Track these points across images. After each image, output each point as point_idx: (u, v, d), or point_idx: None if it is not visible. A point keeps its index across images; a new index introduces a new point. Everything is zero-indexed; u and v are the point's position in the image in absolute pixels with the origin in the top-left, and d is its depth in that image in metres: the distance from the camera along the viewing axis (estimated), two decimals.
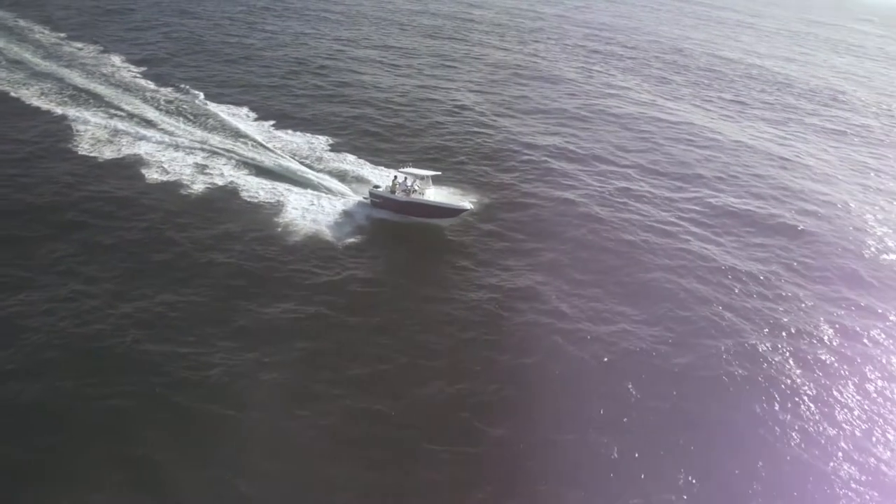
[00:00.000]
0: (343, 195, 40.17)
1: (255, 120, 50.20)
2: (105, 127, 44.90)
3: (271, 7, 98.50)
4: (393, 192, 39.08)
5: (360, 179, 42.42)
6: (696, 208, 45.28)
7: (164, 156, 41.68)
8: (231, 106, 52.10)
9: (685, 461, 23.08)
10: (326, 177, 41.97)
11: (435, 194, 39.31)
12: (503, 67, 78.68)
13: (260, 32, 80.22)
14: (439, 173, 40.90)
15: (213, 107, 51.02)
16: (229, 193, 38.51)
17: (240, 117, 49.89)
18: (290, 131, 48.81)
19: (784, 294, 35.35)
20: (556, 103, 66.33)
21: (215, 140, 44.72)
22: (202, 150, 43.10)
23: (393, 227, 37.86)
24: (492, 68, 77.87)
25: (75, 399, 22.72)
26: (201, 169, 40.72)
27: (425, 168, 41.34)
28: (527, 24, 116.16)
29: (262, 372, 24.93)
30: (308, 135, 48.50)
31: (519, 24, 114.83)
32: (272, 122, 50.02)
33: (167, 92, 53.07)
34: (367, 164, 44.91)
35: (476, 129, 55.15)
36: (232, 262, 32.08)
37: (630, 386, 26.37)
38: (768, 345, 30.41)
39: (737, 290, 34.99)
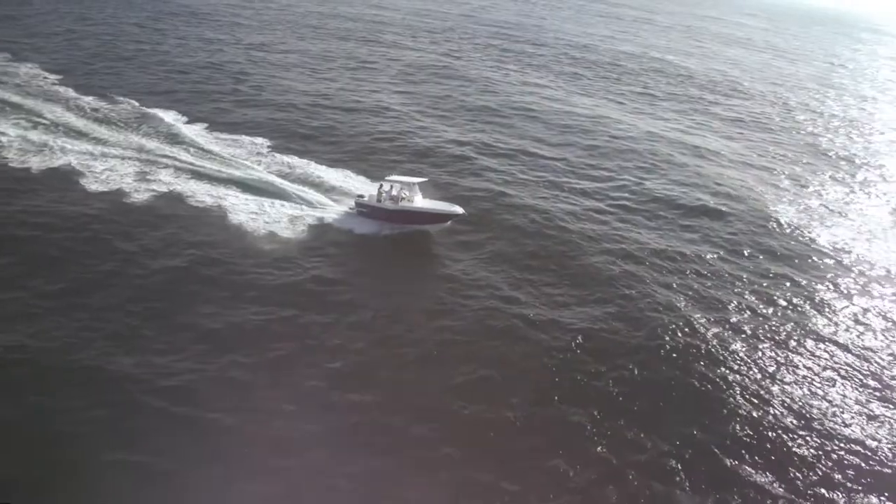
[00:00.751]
0: (299, 197, 40.57)
1: (187, 124, 49.84)
2: (28, 138, 43.51)
3: (178, 13, 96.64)
4: (379, 200, 39.30)
5: (305, 180, 42.98)
6: (625, 195, 48.33)
7: (98, 165, 40.93)
8: (159, 111, 51.45)
9: (648, 424, 25.31)
10: (276, 178, 42.32)
11: (422, 201, 39.56)
12: (420, 68, 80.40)
13: (173, 39, 78.89)
14: (426, 179, 41.91)
15: (141, 112, 50.29)
16: (174, 200, 38.36)
17: (171, 123, 49.33)
18: (223, 135, 48.72)
19: (712, 269, 38.58)
20: (477, 101, 68.57)
21: (151, 146, 44.27)
22: (138, 157, 42.56)
23: (344, 228, 38.63)
24: (410, 69, 79.49)
25: (50, 413, 22.57)
26: (141, 176, 40.33)
27: (410, 175, 42.57)
28: (437, 25, 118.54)
29: (236, 373, 25.44)
30: (245, 137, 48.60)
31: (429, 25, 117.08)
32: (204, 126, 49.81)
33: (90, 100, 51.86)
34: (314, 163, 45.60)
35: (405, 129, 56.58)
36: (186, 267, 32.21)
37: (591, 360, 28.52)
38: (704, 316, 33.31)
39: (670, 269, 37.93)
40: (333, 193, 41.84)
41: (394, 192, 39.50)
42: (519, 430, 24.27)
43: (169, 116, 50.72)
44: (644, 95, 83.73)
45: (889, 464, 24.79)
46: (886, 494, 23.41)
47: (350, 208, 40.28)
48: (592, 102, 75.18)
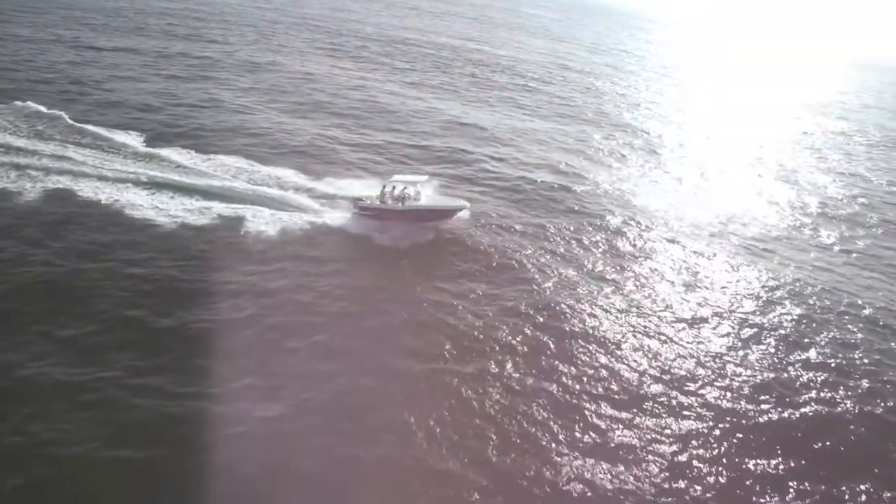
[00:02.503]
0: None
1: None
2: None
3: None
4: (382, 201, 39.46)
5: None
6: (486, 180, 53.56)
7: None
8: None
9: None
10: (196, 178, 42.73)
11: (427, 198, 40.47)
12: (265, 70, 79.43)
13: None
14: (428, 178, 43.33)
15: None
16: (108, 208, 37.83)
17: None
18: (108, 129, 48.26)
19: (576, 241, 44.69)
20: (318, 97, 70.43)
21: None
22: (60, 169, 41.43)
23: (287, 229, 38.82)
24: (252, 66, 78.94)
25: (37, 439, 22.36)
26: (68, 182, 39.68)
27: (413, 174, 43.95)
28: (256, 18, 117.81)
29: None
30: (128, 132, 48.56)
31: (246, 20, 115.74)
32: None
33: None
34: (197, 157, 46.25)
35: (273, 127, 57.06)
36: (146, 274, 32.09)
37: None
38: (581, 281, 39.28)
39: (548, 244, 43.52)
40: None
41: (396, 192, 39.86)
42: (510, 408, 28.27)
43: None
44: (473, 85, 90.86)
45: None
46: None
47: (354, 212, 39.91)
48: (431, 95, 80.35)
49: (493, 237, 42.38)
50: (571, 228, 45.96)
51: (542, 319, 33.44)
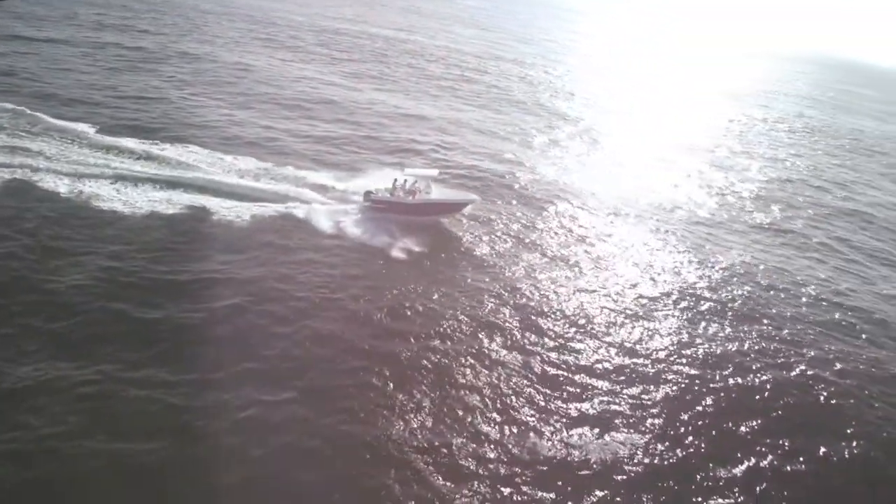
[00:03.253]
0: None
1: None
2: None
3: None
4: (392, 194, 41.03)
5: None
6: (440, 169, 55.47)
7: None
8: None
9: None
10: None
11: (438, 192, 42.55)
12: (204, 61, 78.55)
13: None
14: (438, 172, 44.73)
15: None
16: (72, 200, 37.69)
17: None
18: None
19: (533, 226, 47.32)
20: (265, 90, 70.85)
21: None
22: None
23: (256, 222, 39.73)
24: (191, 58, 77.87)
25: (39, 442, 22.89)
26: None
27: (424, 168, 46.44)
28: (189, 5, 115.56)
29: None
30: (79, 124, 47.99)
31: (185, 10, 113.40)
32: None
33: None
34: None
35: (223, 119, 56.92)
36: (124, 267, 32.29)
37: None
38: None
39: (507, 229, 45.95)
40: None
41: (407, 185, 41.38)
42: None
43: None
44: (411, 75, 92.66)
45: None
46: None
47: (365, 203, 41.49)
48: (371, 86, 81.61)
49: (458, 224, 44.49)
50: (529, 214, 48.72)
51: (507, 300, 35.83)
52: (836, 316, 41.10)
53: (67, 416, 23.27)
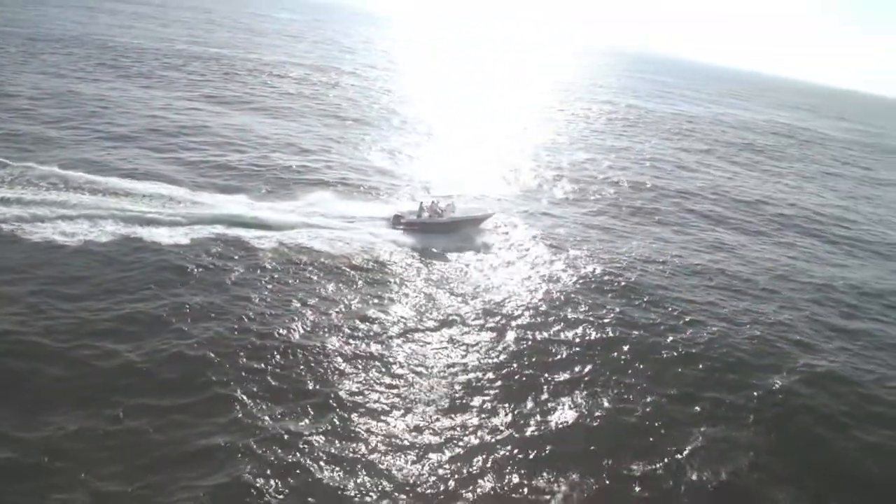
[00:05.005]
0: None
1: None
2: None
3: None
4: (419, 216, 46.48)
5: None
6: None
7: None
8: None
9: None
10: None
11: (461, 210, 48.64)
12: (67, 94, 74.52)
13: None
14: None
15: None
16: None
17: None
18: None
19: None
20: (141, 123, 68.37)
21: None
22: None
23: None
24: (49, 94, 73.70)
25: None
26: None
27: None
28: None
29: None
30: None
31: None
32: None
33: None
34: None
35: (109, 154, 55.10)
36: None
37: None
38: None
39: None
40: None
41: (435, 206, 47.25)
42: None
43: None
44: (272, 94, 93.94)
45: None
46: None
47: (395, 227, 46.42)
48: (238, 110, 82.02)
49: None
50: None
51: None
52: (702, 279, 47.87)
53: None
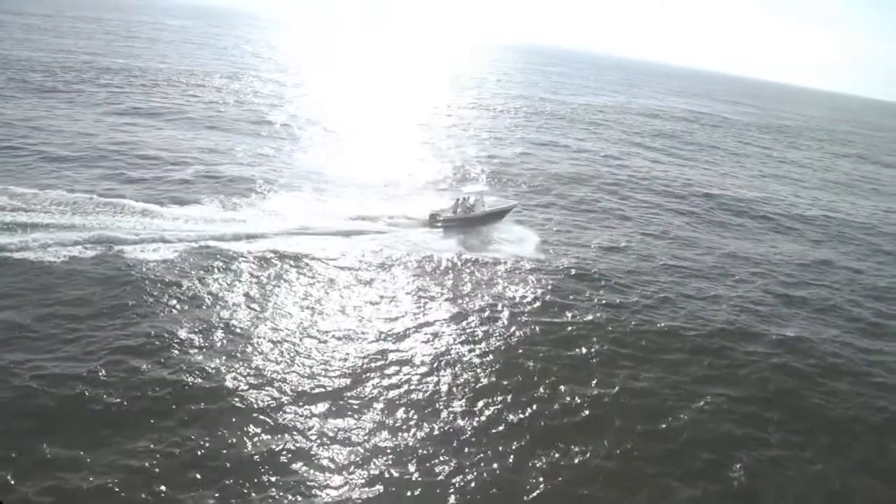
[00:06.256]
0: None
1: None
2: None
3: None
4: (455, 212, 50.35)
5: None
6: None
7: None
8: None
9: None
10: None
11: (489, 205, 52.68)
12: None
13: None
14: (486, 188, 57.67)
15: None
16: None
17: None
18: None
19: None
20: (81, 144, 66.96)
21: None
22: None
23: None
24: None
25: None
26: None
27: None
28: None
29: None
30: None
31: None
32: None
33: None
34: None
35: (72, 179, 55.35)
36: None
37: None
38: None
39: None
40: None
41: (469, 202, 51.01)
42: None
43: None
44: (198, 104, 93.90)
45: None
46: None
47: (435, 225, 49.93)
48: (170, 124, 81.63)
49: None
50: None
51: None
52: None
53: None
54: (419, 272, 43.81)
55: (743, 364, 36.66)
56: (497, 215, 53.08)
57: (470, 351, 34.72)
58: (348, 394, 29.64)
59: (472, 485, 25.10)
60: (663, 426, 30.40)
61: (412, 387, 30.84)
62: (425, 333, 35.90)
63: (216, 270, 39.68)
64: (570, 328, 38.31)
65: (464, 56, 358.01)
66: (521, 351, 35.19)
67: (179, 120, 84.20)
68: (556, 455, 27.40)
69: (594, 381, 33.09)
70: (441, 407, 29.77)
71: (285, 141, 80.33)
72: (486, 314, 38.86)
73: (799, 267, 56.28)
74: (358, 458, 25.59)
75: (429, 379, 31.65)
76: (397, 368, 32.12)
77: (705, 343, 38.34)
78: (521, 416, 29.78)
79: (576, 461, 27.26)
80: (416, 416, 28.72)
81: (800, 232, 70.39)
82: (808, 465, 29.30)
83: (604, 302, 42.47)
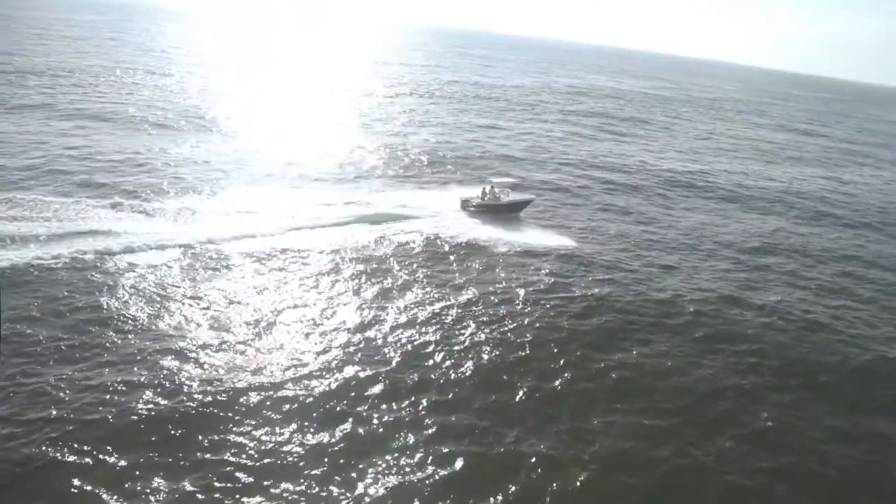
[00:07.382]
0: None
1: None
2: None
3: None
4: (484, 199, 56.31)
5: None
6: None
7: None
8: None
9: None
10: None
11: (513, 195, 58.46)
12: None
13: None
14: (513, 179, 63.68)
15: None
16: None
17: None
18: None
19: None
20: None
21: None
22: None
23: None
24: None
25: None
26: None
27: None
28: None
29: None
30: None
31: None
32: None
33: None
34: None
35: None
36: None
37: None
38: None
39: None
40: None
41: (496, 192, 56.78)
42: None
43: None
44: (138, 105, 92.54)
45: None
46: None
47: (469, 208, 56.28)
48: (118, 128, 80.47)
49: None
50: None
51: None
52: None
53: None
54: (425, 261, 46.86)
55: (736, 324, 41.16)
56: (519, 206, 58.46)
57: (498, 328, 37.95)
58: (398, 377, 32.36)
59: (536, 448, 28.30)
60: (682, 381, 34.37)
61: (442, 372, 33.60)
62: (440, 318, 38.86)
63: (216, 271, 41.42)
64: (578, 304, 41.84)
65: (397, 43, 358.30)
66: (539, 325, 38.48)
67: (127, 121, 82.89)
68: (597, 417, 30.86)
69: (613, 350, 36.77)
70: (481, 382, 32.76)
71: (227, 137, 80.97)
72: (500, 297, 42.06)
73: (756, 236, 61.73)
74: (427, 438, 28.41)
75: (447, 364, 34.35)
76: (424, 351, 35.08)
77: (702, 308, 42.60)
78: (558, 384, 33.11)
79: (616, 419, 30.80)
80: (462, 392, 31.72)
81: (745, 202, 76.29)
82: (810, 404, 33.73)
83: (599, 278, 46.21)
